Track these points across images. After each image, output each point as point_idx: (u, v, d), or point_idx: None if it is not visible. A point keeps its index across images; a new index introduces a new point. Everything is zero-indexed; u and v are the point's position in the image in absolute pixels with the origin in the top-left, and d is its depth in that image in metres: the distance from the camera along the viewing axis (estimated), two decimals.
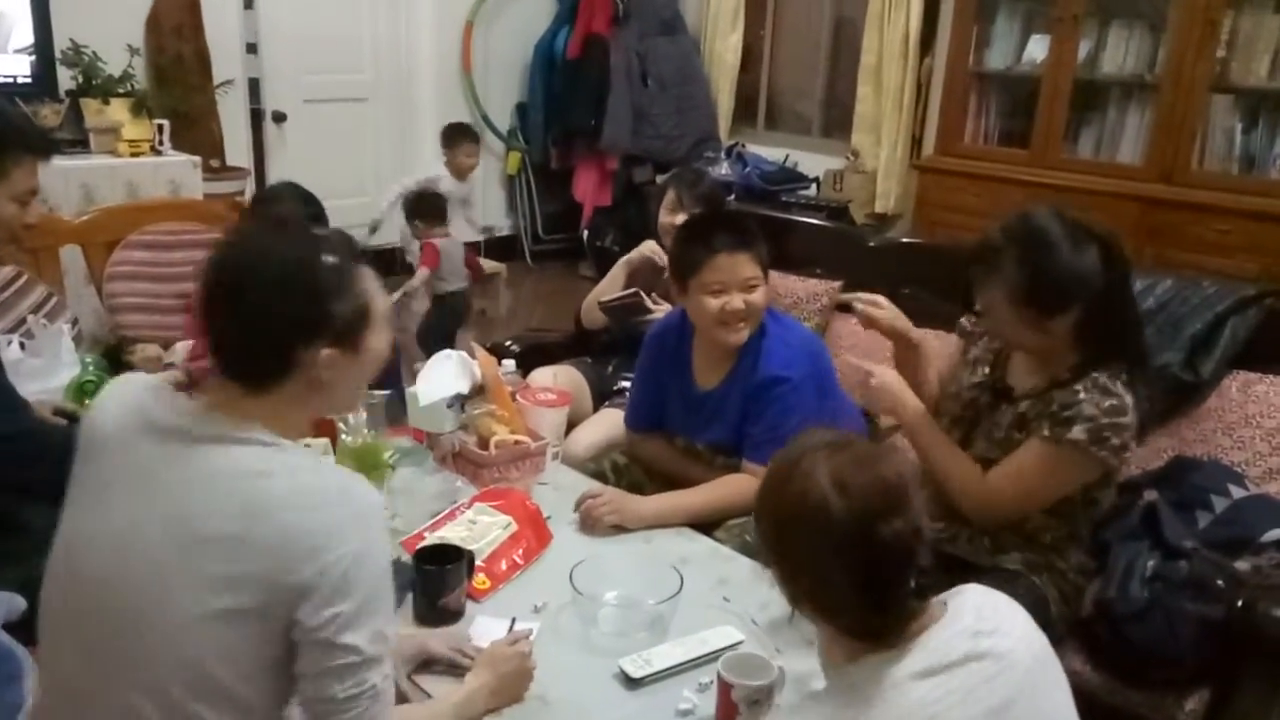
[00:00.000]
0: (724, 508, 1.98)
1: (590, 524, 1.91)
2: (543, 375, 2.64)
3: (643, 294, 2.75)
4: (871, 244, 2.84)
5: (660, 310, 2.70)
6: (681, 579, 1.62)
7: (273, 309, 1.17)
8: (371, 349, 1.26)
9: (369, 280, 1.25)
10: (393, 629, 1.23)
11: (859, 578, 1.11)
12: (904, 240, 3.00)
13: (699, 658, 1.53)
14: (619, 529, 1.92)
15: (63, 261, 3.09)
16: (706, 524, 1.99)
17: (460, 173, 4.90)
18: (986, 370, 1.94)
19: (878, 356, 2.52)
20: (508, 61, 6.09)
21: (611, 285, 2.88)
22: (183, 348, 3.01)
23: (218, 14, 4.71)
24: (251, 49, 5.02)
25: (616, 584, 1.68)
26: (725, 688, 1.34)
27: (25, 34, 3.83)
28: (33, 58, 3.85)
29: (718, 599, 1.71)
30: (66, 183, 3.64)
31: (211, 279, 1.19)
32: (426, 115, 5.91)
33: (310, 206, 2.58)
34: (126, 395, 1.25)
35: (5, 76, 3.80)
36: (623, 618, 1.63)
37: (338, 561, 1.13)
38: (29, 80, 3.85)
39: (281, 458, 1.18)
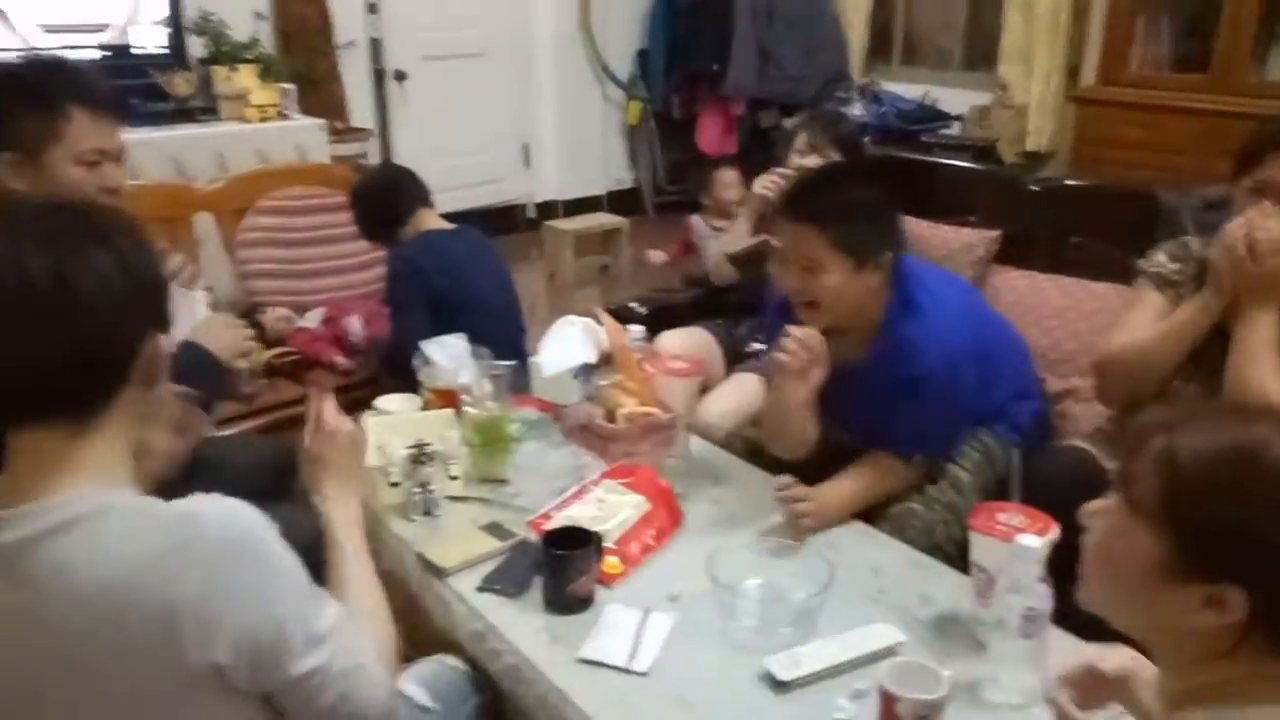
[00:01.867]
0: (888, 494, 1.82)
1: (793, 526, 1.70)
2: (671, 339, 2.49)
3: (773, 241, 2.57)
4: (1033, 188, 2.56)
5: None
6: (831, 569, 1.47)
7: (125, 304, 1.00)
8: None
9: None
10: (330, 608, 1.10)
11: None
12: (1070, 182, 2.69)
13: (854, 659, 1.38)
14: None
15: (196, 230, 3.11)
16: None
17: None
18: None
19: (1041, 310, 2.31)
20: (627, 8, 5.92)
21: (736, 236, 2.71)
22: (316, 315, 3.02)
23: None
24: (372, 8, 4.97)
25: (757, 572, 1.54)
26: (889, 700, 1.18)
27: (159, 7, 3.88)
28: (167, 29, 3.90)
29: (872, 590, 1.56)
30: (200, 150, 3.68)
31: (19, 300, 0.96)
32: (544, 68, 5.82)
33: None
34: None
35: (138, 48, 3.86)
36: (766, 611, 1.49)
37: (245, 619, 0.99)
38: (163, 51, 3.90)
39: (111, 531, 0.97)
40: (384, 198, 2.58)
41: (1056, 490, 1.44)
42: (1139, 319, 1.79)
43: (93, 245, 1.00)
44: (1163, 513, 0.86)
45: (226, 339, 1.83)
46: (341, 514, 1.36)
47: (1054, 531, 1.36)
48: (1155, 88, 4.01)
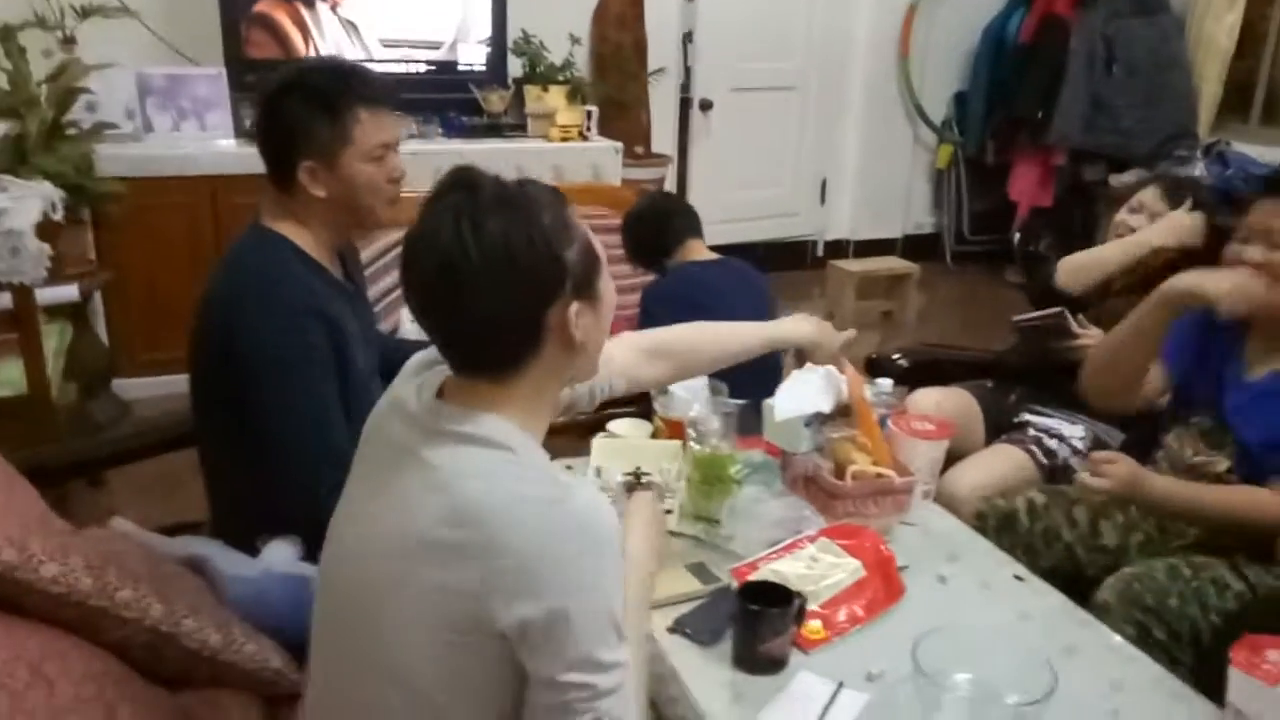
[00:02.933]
0: (1234, 518, 1.73)
1: (1088, 482, 1.77)
2: (926, 398, 2.32)
3: (1068, 314, 2.32)
4: None
5: (1089, 336, 2.27)
6: (1056, 678, 1.28)
7: (515, 281, 1.07)
8: (605, 294, 1.19)
9: (580, 221, 1.15)
10: (625, 650, 1.11)
11: None
12: None
13: None
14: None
15: None
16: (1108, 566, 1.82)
17: None
18: None
19: None
20: (948, 48, 5.69)
21: (1122, 249, 2.32)
22: None
23: (659, 4, 4.85)
24: (688, 38, 5.10)
25: (972, 665, 1.37)
26: None
27: (485, 27, 4.18)
28: (489, 49, 4.20)
29: (1105, 709, 1.35)
30: (501, 163, 3.88)
31: (433, 270, 1.07)
32: (854, 104, 5.71)
33: None
34: (398, 383, 1.22)
35: (464, 64, 4.18)
36: (973, 711, 1.32)
37: (553, 599, 1.03)
38: (484, 69, 4.21)
39: (509, 461, 1.09)
40: (654, 226, 2.62)
41: None
42: None
43: (491, 221, 1.06)
44: None
45: None
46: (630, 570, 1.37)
47: None
48: None
